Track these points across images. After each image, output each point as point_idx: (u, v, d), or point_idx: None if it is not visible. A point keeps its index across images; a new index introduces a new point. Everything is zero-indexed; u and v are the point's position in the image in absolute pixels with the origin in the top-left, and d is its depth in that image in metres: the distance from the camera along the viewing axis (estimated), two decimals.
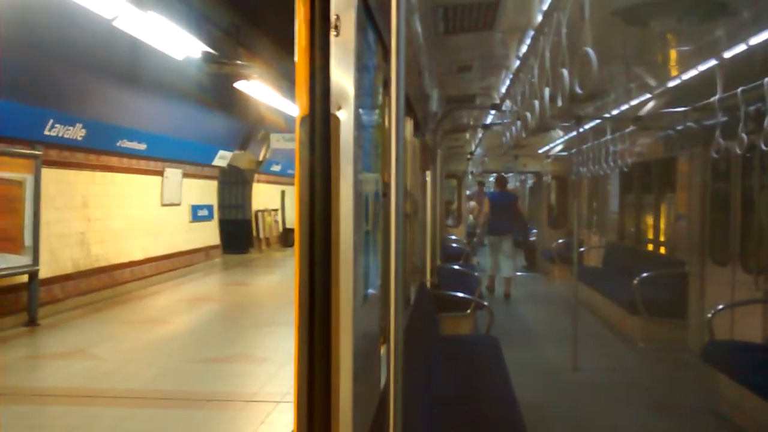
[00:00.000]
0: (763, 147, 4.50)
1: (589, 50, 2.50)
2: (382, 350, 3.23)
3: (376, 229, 2.32)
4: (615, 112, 7.53)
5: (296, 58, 1.72)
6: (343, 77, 1.70)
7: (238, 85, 9.61)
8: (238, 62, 8.72)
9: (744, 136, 4.77)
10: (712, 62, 5.03)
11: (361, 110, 1.95)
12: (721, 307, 6.02)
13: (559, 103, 3.32)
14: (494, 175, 15.83)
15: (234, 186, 15.63)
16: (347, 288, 1.71)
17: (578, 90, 2.97)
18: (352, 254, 1.71)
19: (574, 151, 10.31)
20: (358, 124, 1.83)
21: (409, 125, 4.25)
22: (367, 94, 2.09)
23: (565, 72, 3.02)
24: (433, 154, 6.65)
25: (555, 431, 4.88)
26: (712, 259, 7.12)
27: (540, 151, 13.58)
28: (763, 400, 4.40)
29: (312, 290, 1.70)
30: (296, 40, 1.70)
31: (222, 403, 5.27)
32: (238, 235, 15.52)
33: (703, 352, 5.50)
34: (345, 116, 1.70)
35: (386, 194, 3.44)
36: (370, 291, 2.23)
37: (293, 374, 1.75)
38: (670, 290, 7.67)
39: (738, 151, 4.99)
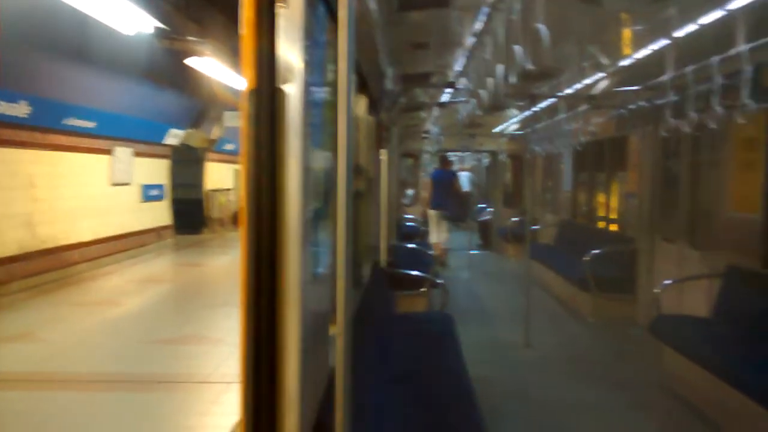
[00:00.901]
0: (711, 126, 4.58)
1: (541, 27, 2.49)
2: (333, 328, 3.22)
3: (328, 207, 2.28)
4: (569, 90, 7.59)
5: (242, 30, 1.66)
6: (290, 51, 1.65)
7: (190, 61, 9.38)
8: (190, 38, 8.50)
9: (693, 114, 4.86)
10: (664, 41, 5.09)
11: (310, 86, 1.90)
12: (668, 282, 6.18)
13: (512, 80, 3.31)
14: (451, 154, 15.94)
15: (186, 165, 15.31)
16: (294, 266, 1.67)
17: (530, 67, 2.97)
18: (300, 232, 1.67)
19: (528, 129, 10.39)
20: (307, 100, 1.78)
21: (363, 103, 4.20)
22: (317, 70, 2.04)
23: (517, 49, 3.01)
24: (388, 133, 6.61)
25: (506, 406, 4.95)
26: (661, 235, 7.29)
27: (496, 130, 13.65)
28: (706, 372, 4.53)
29: (258, 269, 1.66)
30: (242, 11, 1.64)
31: (174, 384, 5.20)
32: (191, 215, 15.25)
33: (651, 326, 5.64)
34: (292, 90, 1.65)
35: None
36: (321, 269, 2.20)
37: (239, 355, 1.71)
38: (621, 267, 7.84)
39: (687, 129, 5.08)
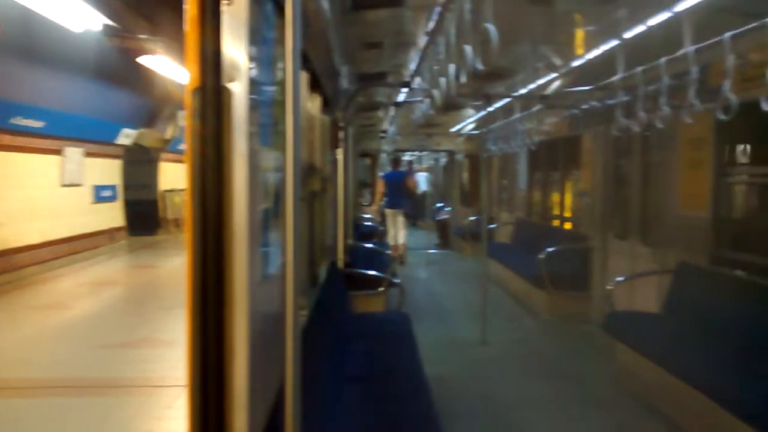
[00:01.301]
0: (659, 125, 4.68)
1: (490, 26, 2.50)
2: None
3: (279, 207, 2.26)
4: (523, 90, 7.68)
5: (186, 27, 1.63)
6: (235, 48, 1.62)
7: (142, 60, 9.19)
8: (141, 36, 8.32)
9: (642, 114, 4.95)
10: (614, 42, 5.18)
11: (259, 84, 1.88)
12: (620, 279, 6.29)
13: (463, 80, 3.33)
14: (408, 153, 16.00)
15: (139, 165, 15.01)
16: (242, 267, 1.65)
17: (480, 66, 2.99)
18: (247, 232, 1.64)
19: (484, 129, 10.48)
20: (254, 98, 1.75)
21: (317, 102, 4.18)
22: (265, 68, 2.02)
23: (468, 48, 3.03)
24: (344, 132, 6.59)
25: (463, 403, 4.98)
26: (613, 233, 7.43)
27: (453, 130, 13.74)
28: (657, 367, 4.63)
29: (204, 270, 1.63)
30: (186, 8, 1.61)
31: (127, 389, 5.09)
32: (145, 216, 14.97)
33: (604, 322, 5.74)
34: (238, 89, 1.62)
35: None
36: (272, 270, 2.17)
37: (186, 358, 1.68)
38: (575, 264, 7.96)
39: (636, 129, 5.18)
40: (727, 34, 3.71)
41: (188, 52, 1.64)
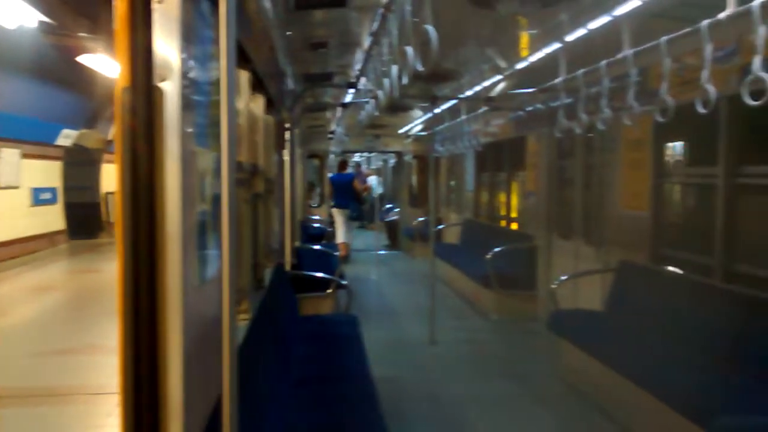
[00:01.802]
0: (600, 126, 4.77)
1: (430, 28, 2.50)
2: None
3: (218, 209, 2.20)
4: (469, 92, 7.75)
5: (115, 26, 1.58)
6: (167, 47, 1.58)
7: (83, 59, 8.92)
8: (81, 34, 8.07)
9: (584, 116, 5.04)
10: (557, 45, 5.26)
11: (194, 83, 1.83)
12: (564, 278, 6.40)
13: (405, 81, 3.33)
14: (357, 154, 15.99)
15: (81, 167, 14.57)
16: (175, 271, 1.60)
17: (420, 68, 2.99)
18: (180, 235, 1.60)
19: (432, 131, 10.54)
20: (189, 98, 1.71)
21: (260, 102, 4.12)
22: (202, 67, 1.97)
23: (409, 50, 3.03)
24: (291, 133, 6.53)
25: (411, 404, 4.99)
26: (558, 233, 7.56)
27: (401, 131, 13.78)
28: (600, 364, 4.72)
29: (136, 275, 1.58)
30: (115, 6, 1.56)
31: (66, 397, 4.92)
32: (87, 219, 14.53)
33: (549, 321, 5.82)
34: (170, 88, 1.58)
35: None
36: (211, 273, 2.12)
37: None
38: (521, 264, 8.07)
39: (578, 130, 5.27)
40: (664, 38, 3.81)
41: (118, 52, 1.59)
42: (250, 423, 2.41)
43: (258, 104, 4.08)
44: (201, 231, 1.99)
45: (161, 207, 1.61)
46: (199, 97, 1.94)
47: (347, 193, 12.75)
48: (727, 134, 4.56)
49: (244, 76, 3.35)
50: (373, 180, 17.13)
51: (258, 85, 3.96)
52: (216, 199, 2.17)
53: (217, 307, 2.19)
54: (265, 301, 3.85)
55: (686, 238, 5.35)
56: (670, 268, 5.28)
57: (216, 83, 2.20)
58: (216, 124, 2.20)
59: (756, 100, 3.05)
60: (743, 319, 4.03)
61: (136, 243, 1.58)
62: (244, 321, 3.37)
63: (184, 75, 1.65)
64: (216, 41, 2.16)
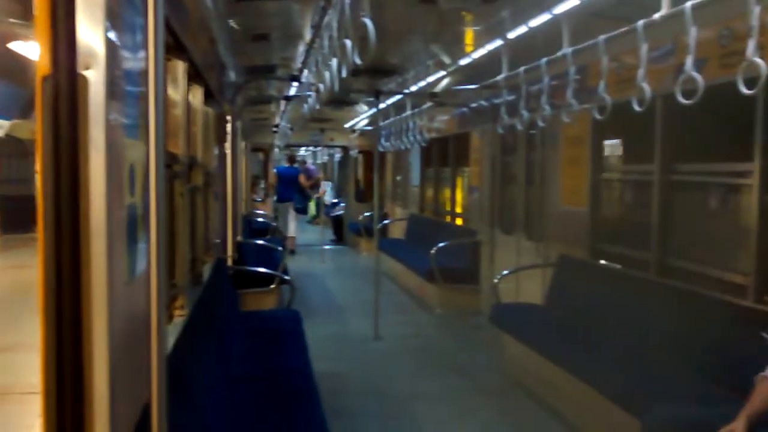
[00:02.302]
0: (541, 123, 4.84)
1: (368, 21, 2.48)
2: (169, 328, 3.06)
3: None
4: (414, 88, 7.77)
5: (35, 11, 1.51)
6: (91, 33, 1.51)
7: (15, 46, 8.59)
8: (12, 20, 7.78)
9: (525, 113, 5.11)
10: (499, 42, 5.32)
11: (122, 72, 1.76)
12: (506, 272, 6.48)
13: (352, 75, 3.30)
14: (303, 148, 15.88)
15: (14, 158, 14.08)
16: (100, 267, 1.54)
17: (358, 61, 2.97)
18: (106, 230, 1.54)
19: (378, 125, 10.54)
20: (115, 87, 1.65)
21: (198, 93, 4.02)
22: (130, 55, 1.90)
23: (348, 43, 3.01)
24: (233, 126, 6.42)
25: (353, 399, 4.98)
26: (500, 228, 7.65)
27: (347, 126, 13.74)
28: (540, 356, 4.80)
29: (59, 271, 1.52)
30: None
31: None
32: (21, 212, 14.04)
33: (491, 315, 5.89)
34: (95, 76, 1.51)
35: (169, 165, 3.24)
36: (141, 269, 2.06)
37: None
38: (465, 258, 8.14)
39: (519, 127, 5.34)
40: (601, 37, 3.88)
41: (38, 37, 1.51)
42: (184, 422, 2.35)
43: (196, 95, 3.99)
44: (131, 225, 1.92)
45: (85, 201, 1.55)
46: (129, 87, 1.87)
47: (292, 186, 13.03)
48: (662, 132, 4.68)
49: (180, 67, 3.27)
50: (327, 186, 17.08)
51: (196, 76, 3.87)
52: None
53: (148, 305, 2.13)
54: (203, 297, 3.78)
55: (623, 233, 5.48)
56: (607, 263, 5.41)
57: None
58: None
59: (688, 99, 3.13)
60: (676, 311, 4.15)
61: (59, 238, 1.51)
62: (180, 317, 3.29)
63: (111, 63, 1.59)
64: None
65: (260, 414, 3.27)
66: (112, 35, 1.61)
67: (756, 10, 2.73)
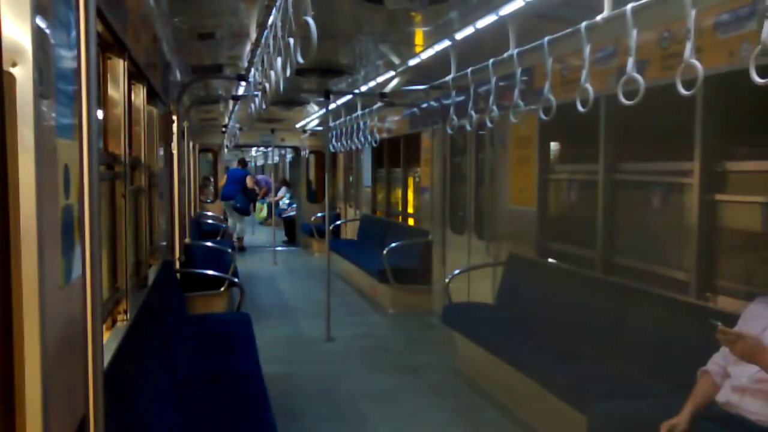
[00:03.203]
0: (489, 124, 4.88)
1: (309, 20, 2.46)
2: (108, 335, 2.98)
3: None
4: (364, 88, 7.76)
5: None
6: (17, 29, 1.45)
7: None
8: None
9: (473, 113, 5.15)
10: (447, 43, 5.34)
11: (52, 70, 1.70)
12: (457, 272, 6.53)
13: (288, 73, 3.27)
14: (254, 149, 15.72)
15: None
16: (31, 271, 1.49)
17: (300, 60, 2.94)
18: (36, 232, 1.48)
19: (329, 126, 10.50)
20: (45, 85, 1.59)
21: (141, 92, 3.93)
22: (64, 52, 1.84)
23: (291, 41, 2.97)
24: (179, 126, 6.30)
25: (304, 400, 4.94)
26: (451, 228, 7.70)
27: (298, 126, 13.65)
28: (490, 354, 4.84)
29: None
30: None
31: None
32: None
33: (442, 314, 5.92)
34: (22, 74, 1.46)
35: (110, 165, 3.15)
36: (79, 272, 1.99)
37: None
38: (417, 258, 8.17)
39: (468, 127, 5.38)
40: (546, 38, 3.93)
41: None
42: (127, 427, 2.29)
43: (139, 94, 3.89)
44: (67, 228, 1.86)
45: (14, 203, 1.49)
46: (62, 85, 1.81)
47: (237, 185, 13.35)
48: (605, 132, 4.77)
49: (120, 65, 3.19)
50: (284, 192, 16.97)
51: (139, 75, 3.78)
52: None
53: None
54: (148, 300, 3.69)
55: (571, 232, 5.57)
56: (555, 261, 5.49)
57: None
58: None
59: (630, 100, 3.19)
60: (621, 308, 4.24)
61: None
62: (123, 322, 3.21)
63: (40, 60, 1.53)
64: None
65: (207, 419, 3.21)
66: (41, 30, 1.55)
67: (692, 13, 2.80)
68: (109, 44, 3.05)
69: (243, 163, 15.22)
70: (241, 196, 13.29)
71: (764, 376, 2.58)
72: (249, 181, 13.70)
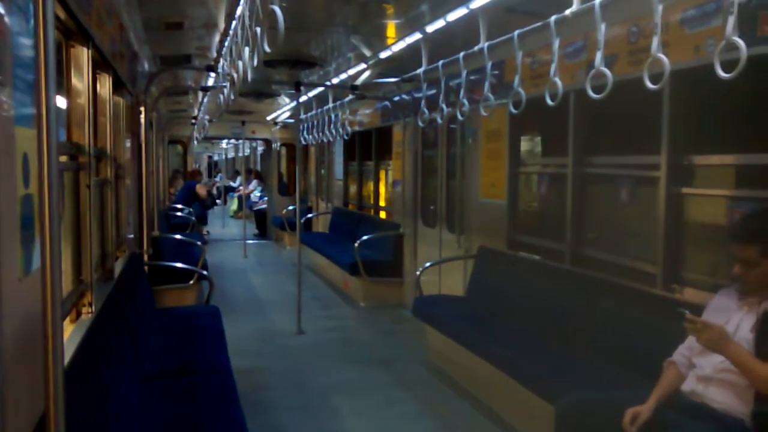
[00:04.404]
0: (459, 117, 4.89)
1: (276, 9, 2.43)
2: (71, 328, 2.93)
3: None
4: (335, 80, 7.72)
5: None
6: None
7: None
8: None
9: (443, 106, 5.15)
10: (418, 35, 5.33)
11: (9, 57, 1.66)
12: (428, 264, 6.54)
13: (255, 63, 3.23)
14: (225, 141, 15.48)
15: None
16: None
17: (267, 49, 2.91)
18: None
19: (300, 118, 10.43)
20: (2, 72, 1.55)
21: (106, 83, 3.86)
22: (21, 40, 1.79)
23: (257, 30, 2.94)
24: (146, 117, 6.20)
25: (274, 394, 4.91)
26: (423, 221, 7.72)
27: (269, 118, 13.55)
28: (460, 346, 4.87)
29: None
30: None
31: None
32: None
33: (413, 307, 5.93)
34: None
35: (74, 156, 3.09)
36: (38, 264, 1.95)
37: None
38: (388, 251, 8.17)
39: (439, 121, 5.38)
40: (516, 32, 3.94)
41: None
42: (92, 422, 2.25)
43: (104, 84, 3.82)
44: (26, 218, 1.82)
45: None
46: (20, 73, 1.76)
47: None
48: (574, 126, 4.81)
49: (84, 53, 3.12)
50: (255, 185, 16.85)
51: (104, 64, 3.71)
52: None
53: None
54: (113, 293, 3.63)
55: (540, 225, 5.62)
56: (525, 254, 5.53)
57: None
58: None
59: (599, 94, 3.21)
60: (589, 300, 4.28)
61: None
62: (88, 315, 3.15)
63: None
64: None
65: (175, 412, 3.17)
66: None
67: (659, 8, 2.82)
68: (72, 32, 2.98)
69: (195, 174, 15.49)
70: (197, 206, 13.42)
71: (728, 366, 2.62)
72: (200, 190, 13.74)
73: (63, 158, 2.82)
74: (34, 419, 1.81)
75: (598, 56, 3.18)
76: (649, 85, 2.90)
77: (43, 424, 1.73)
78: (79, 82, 3.15)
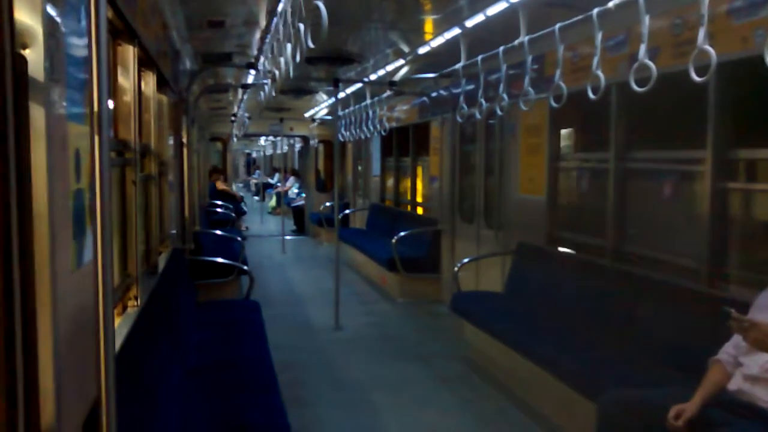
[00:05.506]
0: (498, 112, 4.86)
1: (320, 4, 2.45)
2: (118, 321, 3.00)
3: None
4: (373, 76, 7.73)
5: None
6: (28, 11, 1.45)
7: None
8: None
9: (483, 101, 5.12)
10: (457, 31, 5.31)
11: (63, 55, 1.70)
12: (466, 260, 6.53)
13: (298, 60, 3.26)
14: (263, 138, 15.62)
15: None
16: (43, 255, 1.49)
17: (311, 45, 2.93)
18: (48, 216, 1.48)
19: (338, 114, 10.48)
20: (56, 69, 1.59)
21: (151, 80, 3.93)
22: (74, 39, 1.83)
23: (301, 27, 2.96)
24: (188, 114, 6.30)
25: (313, 388, 4.96)
26: (461, 217, 7.69)
27: (307, 115, 13.64)
28: (499, 342, 4.85)
29: (8, 261, 1.45)
30: None
31: None
32: None
33: (451, 303, 5.92)
34: (34, 57, 1.45)
35: (120, 152, 3.16)
36: (90, 257, 2.00)
37: None
38: (426, 247, 8.17)
39: (478, 116, 5.35)
40: (557, 26, 3.90)
41: None
42: (137, 416, 2.31)
43: (148, 82, 3.90)
44: (78, 212, 1.86)
45: (27, 187, 1.49)
46: (73, 71, 1.81)
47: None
48: (616, 120, 4.74)
49: (131, 52, 3.19)
50: (292, 182, 17.02)
51: (148, 63, 3.79)
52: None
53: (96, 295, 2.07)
54: (158, 287, 3.71)
55: (580, 220, 5.55)
56: (565, 250, 5.47)
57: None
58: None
59: (642, 87, 3.17)
60: (631, 297, 4.23)
61: (5, 228, 1.45)
62: (134, 308, 3.23)
63: (51, 44, 1.53)
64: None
65: (217, 405, 3.22)
66: (51, 18, 1.55)
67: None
68: (119, 30, 3.05)
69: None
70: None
71: None
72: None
73: (111, 154, 2.89)
74: (87, 405, 1.86)
75: (642, 49, 3.14)
76: (695, 77, 2.84)
77: (95, 410, 1.78)
78: (126, 80, 3.22)
